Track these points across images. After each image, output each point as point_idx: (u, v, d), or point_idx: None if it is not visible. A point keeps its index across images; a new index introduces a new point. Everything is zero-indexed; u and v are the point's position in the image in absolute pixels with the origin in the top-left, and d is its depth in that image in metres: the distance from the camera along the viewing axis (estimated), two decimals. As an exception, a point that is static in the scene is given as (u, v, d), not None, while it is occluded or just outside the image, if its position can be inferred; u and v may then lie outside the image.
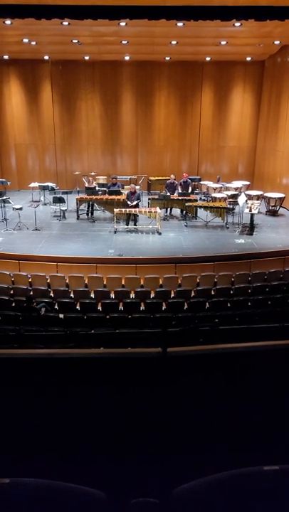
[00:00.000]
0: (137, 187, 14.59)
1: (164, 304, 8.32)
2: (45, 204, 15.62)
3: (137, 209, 13.36)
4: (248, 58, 16.73)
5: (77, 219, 14.19)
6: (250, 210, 13.04)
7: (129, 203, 13.42)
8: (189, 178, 15.56)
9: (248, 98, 17.72)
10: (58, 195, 14.24)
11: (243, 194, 14.52)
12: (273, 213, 15.00)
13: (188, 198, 14.24)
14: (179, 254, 11.18)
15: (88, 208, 14.51)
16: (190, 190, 15.23)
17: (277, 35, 13.75)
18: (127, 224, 13.38)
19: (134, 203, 13.51)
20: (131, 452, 1.70)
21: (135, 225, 13.38)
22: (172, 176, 15.04)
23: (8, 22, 11.53)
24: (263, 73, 17.19)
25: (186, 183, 15.14)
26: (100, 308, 8.18)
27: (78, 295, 8.63)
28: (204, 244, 12.13)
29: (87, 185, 14.93)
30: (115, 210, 13.23)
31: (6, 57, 16.64)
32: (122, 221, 13.57)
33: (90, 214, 14.51)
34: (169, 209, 14.71)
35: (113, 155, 18.37)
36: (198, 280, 9.49)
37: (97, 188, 14.74)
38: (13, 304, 8.33)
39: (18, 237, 12.47)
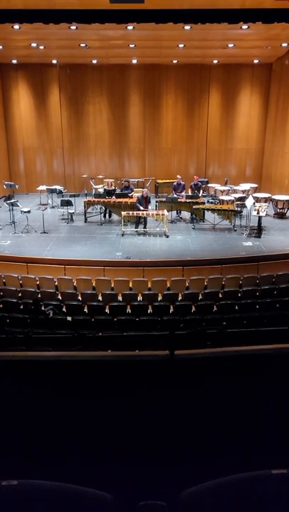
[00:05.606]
0: (145, 190, 14.58)
1: (171, 306, 8.29)
2: (53, 207, 15.73)
3: (145, 211, 13.37)
4: (256, 61, 16.72)
5: (85, 222, 14.24)
6: (258, 213, 13.00)
7: (141, 207, 13.38)
8: (199, 181, 15.56)
9: (255, 100, 17.69)
10: (66, 198, 14.31)
11: (250, 196, 14.46)
12: (281, 216, 14.93)
13: (195, 201, 14.22)
14: (187, 257, 11.16)
15: (106, 209, 14.52)
16: (201, 193, 15.22)
17: (285, 37, 13.75)
18: (136, 227, 13.39)
19: (148, 208, 13.48)
20: (138, 455, 1.70)
21: (145, 227, 13.38)
22: (178, 177, 15.03)
23: (16, 27, 11.63)
24: (271, 75, 17.16)
25: (196, 186, 15.13)
26: (107, 310, 8.19)
27: (86, 298, 8.65)
28: (212, 246, 12.10)
29: (106, 187, 15.04)
30: (123, 212, 13.25)
31: (14, 61, 16.79)
32: (129, 224, 13.58)
33: (106, 216, 14.57)
34: (179, 211, 14.72)
35: (121, 158, 18.43)
36: (205, 283, 9.46)
37: (117, 191, 14.73)
38: (21, 307, 8.37)
39: (26, 240, 12.53)
